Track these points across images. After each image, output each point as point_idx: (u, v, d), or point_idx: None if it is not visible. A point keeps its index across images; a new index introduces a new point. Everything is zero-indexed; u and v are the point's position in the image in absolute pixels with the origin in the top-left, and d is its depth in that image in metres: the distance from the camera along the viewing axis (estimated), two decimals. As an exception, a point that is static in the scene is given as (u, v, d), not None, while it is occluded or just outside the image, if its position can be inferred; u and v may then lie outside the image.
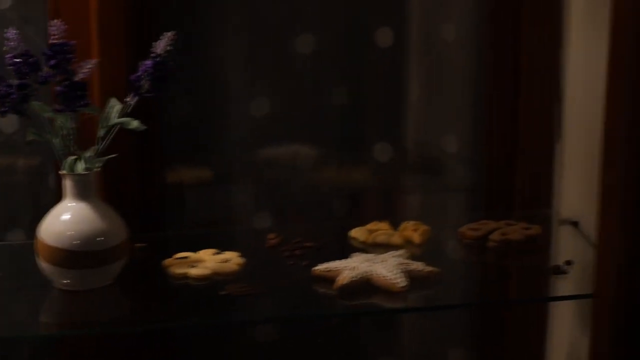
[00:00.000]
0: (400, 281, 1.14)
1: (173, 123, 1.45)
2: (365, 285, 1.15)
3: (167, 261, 1.23)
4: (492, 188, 1.53)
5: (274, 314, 1.15)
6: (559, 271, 1.18)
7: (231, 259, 1.24)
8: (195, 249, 1.27)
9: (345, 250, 1.26)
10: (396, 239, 1.32)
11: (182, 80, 1.42)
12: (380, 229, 1.34)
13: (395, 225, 1.36)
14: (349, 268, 1.17)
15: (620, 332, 1.04)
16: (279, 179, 1.51)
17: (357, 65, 1.50)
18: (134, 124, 1.15)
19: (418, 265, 1.18)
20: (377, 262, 1.18)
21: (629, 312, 1.02)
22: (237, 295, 1.13)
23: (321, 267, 1.19)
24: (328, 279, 1.17)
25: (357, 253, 1.23)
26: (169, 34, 1.16)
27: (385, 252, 1.24)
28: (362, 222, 1.37)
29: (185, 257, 1.24)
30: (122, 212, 1.24)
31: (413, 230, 1.33)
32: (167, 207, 1.45)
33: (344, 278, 1.15)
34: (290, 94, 1.48)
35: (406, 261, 1.19)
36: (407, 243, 1.32)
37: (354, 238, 1.35)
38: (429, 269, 1.18)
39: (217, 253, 1.26)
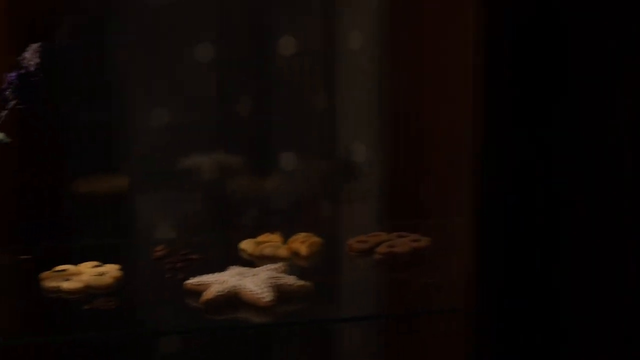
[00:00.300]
0: (265, 296, 1.12)
1: (73, 134, 1.44)
2: (232, 300, 1.14)
3: (44, 274, 1.22)
4: (401, 197, 1.51)
5: (133, 329, 1.13)
6: (432, 285, 1.16)
7: (108, 272, 1.22)
8: (84, 261, 1.26)
9: (231, 262, 1.24)
10: (283, 251, 1.30)
11: (80, 90, 1.42)
12: (269, 241, 1.33)
13: (290, 236, 1.34)
14: (218, 282, 1.15)
15: (483, 348, 1.02)
16: (182, 189, 1.49)
17: (261, 74, 1.49)
18: (-1, 136, 1.14)
19: (289, 280, 1.17)
20: (248, 276, 1.17)
21: (492, 327, 1.00)
22: (100, 310, 1.12)
23: (193, 281, 1.17)
24: (199, 293, 1.15)
25: (234, 266, 1.22)
26: (35, 45, 1.14)
27: (273, 264, 1.23)
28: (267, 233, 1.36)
29: (63, 270, 1.23)
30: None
31: (301, 243, 1.31)
32: (67, 219, 1.44)
33: (210, 292, 1.14)
34: (191, 104, 1.47)
35: (278, 275, 1.17)
36: (293, 255, 1.30)
37: (243, 250, 1.33)
38: (300, 283, 1.17)
39: (97, 266, 1.25)
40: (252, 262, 1.28)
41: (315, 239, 1.32)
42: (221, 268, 1.20)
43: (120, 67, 1.44)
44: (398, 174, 1.51)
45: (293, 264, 1.27)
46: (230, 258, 1.29)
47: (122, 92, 1.45)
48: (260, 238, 1.34)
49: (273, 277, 1.16)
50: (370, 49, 1.49)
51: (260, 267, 1.20)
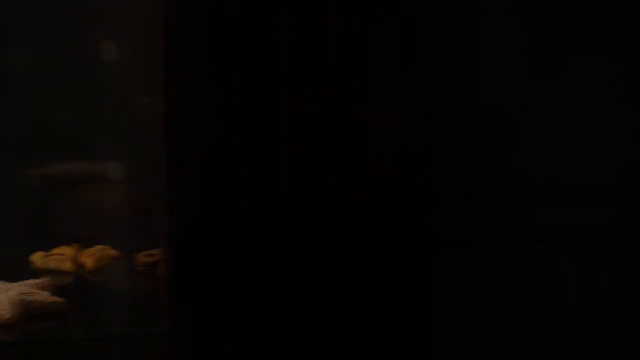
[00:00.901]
0: (4, 312, 1.07)
1: None
2: (-25, 316, 1.08)
3: None
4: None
5: None
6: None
7: None
8: None
9: (16, 275, 1.19)
10: (67, 264, 1.25)
11: None
12: (61, 254, 1.28)
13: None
14: (-34, 297, 1.10)
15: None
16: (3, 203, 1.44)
17: (83, 80, 1.43)
18: None
19: (42, 296, 1.11)
20: (1, 291, 1.11)
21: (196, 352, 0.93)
22: None
23: (-59, 297, 1.12)
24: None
25: (-3, 281, 1.16)
26: None
27: (59, 277, 1.19)
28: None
29: None
30: None
31: (89, 256, 1.26)
32: None
33: (-52, 309, 1.08)
34: (8, 112, 1.42)
35: (32, 291, 1.12)
36: (80, 268, 1.25)
37: (33, 262, 1.28)
38: (52, 299, 1.11)
39: None
40: (38, 274, 1.23)
41: (107, 253, 1.27)
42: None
43: None
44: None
45: (78, 277, 1.22)
46: (18, 271, 1.24)
47: None
48: (55, 250, 1.29)
49: (25, 293, 1.11)
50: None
51: (18, 282, 1.15)
